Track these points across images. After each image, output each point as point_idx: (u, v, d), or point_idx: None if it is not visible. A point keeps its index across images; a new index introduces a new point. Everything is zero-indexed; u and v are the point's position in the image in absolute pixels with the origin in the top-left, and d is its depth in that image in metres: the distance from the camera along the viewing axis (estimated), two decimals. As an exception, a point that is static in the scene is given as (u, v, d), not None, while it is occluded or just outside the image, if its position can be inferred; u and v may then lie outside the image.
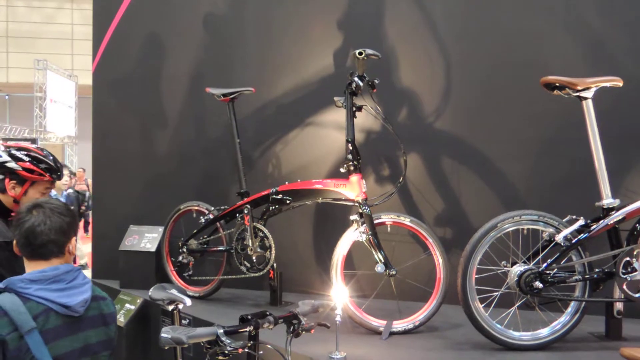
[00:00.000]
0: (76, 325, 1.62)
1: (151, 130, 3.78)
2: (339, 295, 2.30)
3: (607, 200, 2.41)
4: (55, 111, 16.47)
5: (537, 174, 3.05)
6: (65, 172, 6.00)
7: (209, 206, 3.25)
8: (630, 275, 2.34)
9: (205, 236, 3.24)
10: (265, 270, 2.97)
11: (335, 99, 2.83)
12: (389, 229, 2.73)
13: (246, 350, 1.78)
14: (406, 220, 2.69)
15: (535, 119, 3.04)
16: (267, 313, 1.91)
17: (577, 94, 2.41)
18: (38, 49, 17.61)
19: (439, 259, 2.65)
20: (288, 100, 3.48)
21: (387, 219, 2.70)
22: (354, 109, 2.76)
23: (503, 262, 2.45)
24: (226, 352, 1.69)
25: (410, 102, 3.27)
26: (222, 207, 3.20)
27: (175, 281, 3.35)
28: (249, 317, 1.84)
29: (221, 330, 1.69)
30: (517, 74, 3.07)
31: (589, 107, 2.41)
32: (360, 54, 2.56)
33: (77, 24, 18.56)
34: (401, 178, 2.78)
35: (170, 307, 2.44)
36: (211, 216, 3.20)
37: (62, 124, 16.95)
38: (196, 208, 3.30)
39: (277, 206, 2.96)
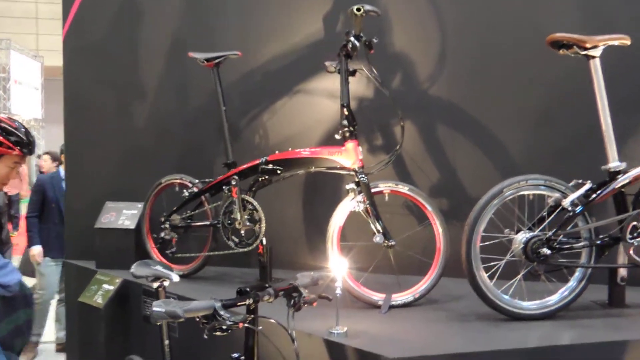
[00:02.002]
0: (10, 306, 1.62)
1: (128, 100, 3.54)
2: (338, 267, 2.17)
3: (614, 163, 2.32)
4: (20, 93, 15.76)
5: (537, 141, 2.95)
6: (47, 156, 5.59)
7: (192, 179, 3.06)
8: (637, 240, 2.27)
9: (189, 211, 3.05)
10: (254, 245, 2.81)
11: (327, 64, 2.67)
12: (386, 198, 2.59)
13: (246, 325, 1.63)
14: (404, 189, 2.56)
15: (535, 84, 2.93)
16: (267, 285, 1.76)
17: (585, 52, 2.30)
18: (1, 28, 16.79)
19: (438, 228, 2.53)
20: (275, 67, 3.29)
21: (384, 187, 2.57)
22: (348, 73, 2.60)
23: (506, 230, 2.34)
24: (224, 327, 1.54)
25: (404, 67, 3.12)
26: (208, 180, 3.01)
27: (157, 259, 3.16)
28: (248, 289, 1.69)
29: (219, 304, 1.54)
30: (516, 37, 2.94)
31: (596, 67, 2.31)
32: (358, 10, 2.39)
33: (42, 2, 17.71)
34: (398, 146, 2.64)
35: (155, 285, 2.27)
36: (195, 189, 3.02)
37: (28, 106, 16.25)
38: (179, 181, 3.10)
39: (266, 177, 2.79)
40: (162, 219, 3.08)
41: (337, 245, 2.53)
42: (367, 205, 2.49)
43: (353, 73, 2.64)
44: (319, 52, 3.11)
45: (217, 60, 2.97)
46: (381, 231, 2.48)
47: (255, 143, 3.35)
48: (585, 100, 2.79)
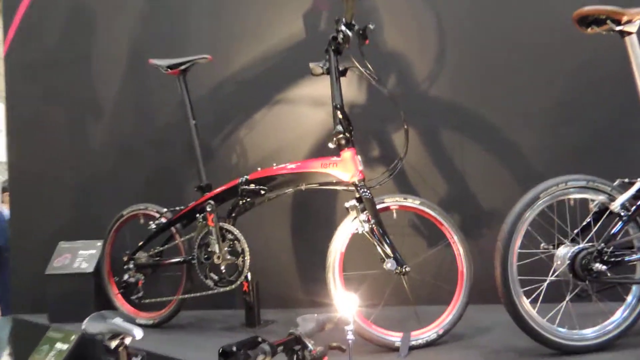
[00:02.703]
0: None
1: (82, 121, 3.06)
2: (347, 304, 1.71)
3: (663, 157, 1.95)
4: (-20, 135, 15.05)
5: (555, 143, 2.58)
6: None
7: (160, 208, 2.59)
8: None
9: (158, 246, 2.57)
10: (238, 282, 2.34)
11: (312, 65, 2.26)
12: (394, 215, 2.16)
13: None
14: (415, 203, 2.14)
15: (549, 77, 2.59)
16: (259, 339, 1.30)
17: (621, 27, 1.94)
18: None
19: (459, 249, 2.11)
20: (250, 75, 2.88)
21: (391, 202, 2.14)
22: (339, 70, 2.20)
23: (542, 244, 1.93)
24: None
25: (399, 66, 2.74)
26: (178, 208, 2.54)
27: (121, 307, 2.65)
28: (234, 348, 1.23)
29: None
30: (526, 25, 2.60)
31: (634, 44, 1.95)
32: (350, -11, 2.00)
33: (2, 43, 17.20)
34: (403, 153, 2.22)
35: (114, 343, 1.77)
36: (164, 220, 2.54)
37: (-11, 148, 15.53)
38: (143, 212, 2.62)
39: (248, 200, 2.35)
40: (125, 258, 2.58)
41: (340, 276, 2.08)
42: (373, 225, 2.06)
43: (344, 72, 2.24)
44: (301, 53, 2.73)
45: (183, 67, 2.53)
46: (391, 255, 2.04)
47: (232, 162, 2.91)
48: (607, 90, 2.48)
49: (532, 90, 2.60)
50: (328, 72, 2.22)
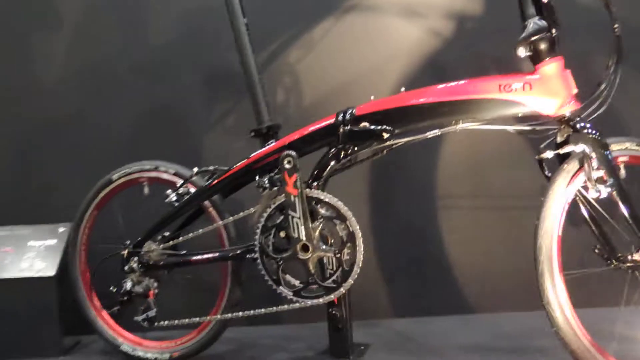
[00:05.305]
0: None
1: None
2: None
3: None
4: None
5: None
6: None
7: (182, 168, 1.55)
8: None
9: (179, 232, 1.53)
10: (342, 289, 1.37)
11: None
12: (622, 171, 1.31)
13: None
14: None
15: None
16: None
17: None
18: None
19: None
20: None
21: (619, 150, 1.28)
22: None
23: None
24: None
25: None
26: (215, 168, 1.51)
27: (109, 334, 1.59)
28: None
29: None
30: None
31: None
32: None
33: None
34: (613, 65, 1.34)
35: None
36: (191, 188, 1.51)
37: None
38: (150, 175, 1.56)
39: (354, 148, 1.38)
40: (126, 252, 1.52)
41: (560, 273, 1.19)
42: (613, 188, 1.19)
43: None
44: None
45: None
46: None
47: (279, 101, 1.90)
48: None
49: None
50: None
